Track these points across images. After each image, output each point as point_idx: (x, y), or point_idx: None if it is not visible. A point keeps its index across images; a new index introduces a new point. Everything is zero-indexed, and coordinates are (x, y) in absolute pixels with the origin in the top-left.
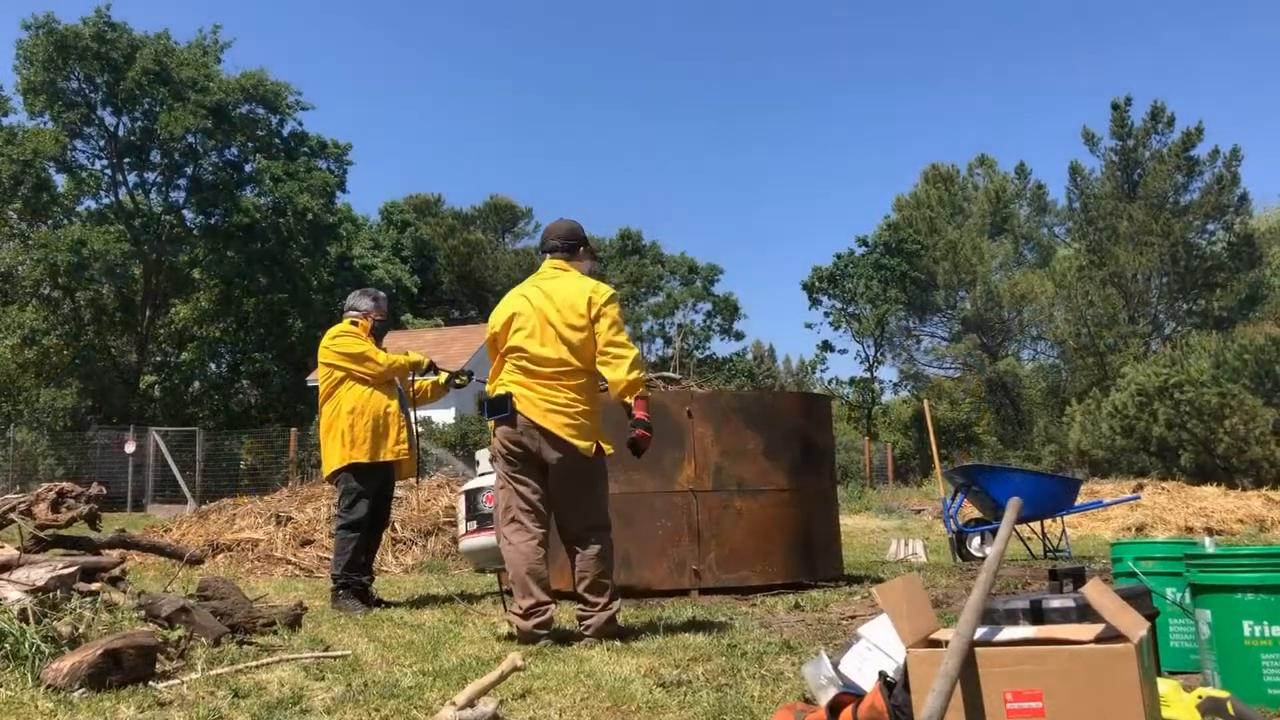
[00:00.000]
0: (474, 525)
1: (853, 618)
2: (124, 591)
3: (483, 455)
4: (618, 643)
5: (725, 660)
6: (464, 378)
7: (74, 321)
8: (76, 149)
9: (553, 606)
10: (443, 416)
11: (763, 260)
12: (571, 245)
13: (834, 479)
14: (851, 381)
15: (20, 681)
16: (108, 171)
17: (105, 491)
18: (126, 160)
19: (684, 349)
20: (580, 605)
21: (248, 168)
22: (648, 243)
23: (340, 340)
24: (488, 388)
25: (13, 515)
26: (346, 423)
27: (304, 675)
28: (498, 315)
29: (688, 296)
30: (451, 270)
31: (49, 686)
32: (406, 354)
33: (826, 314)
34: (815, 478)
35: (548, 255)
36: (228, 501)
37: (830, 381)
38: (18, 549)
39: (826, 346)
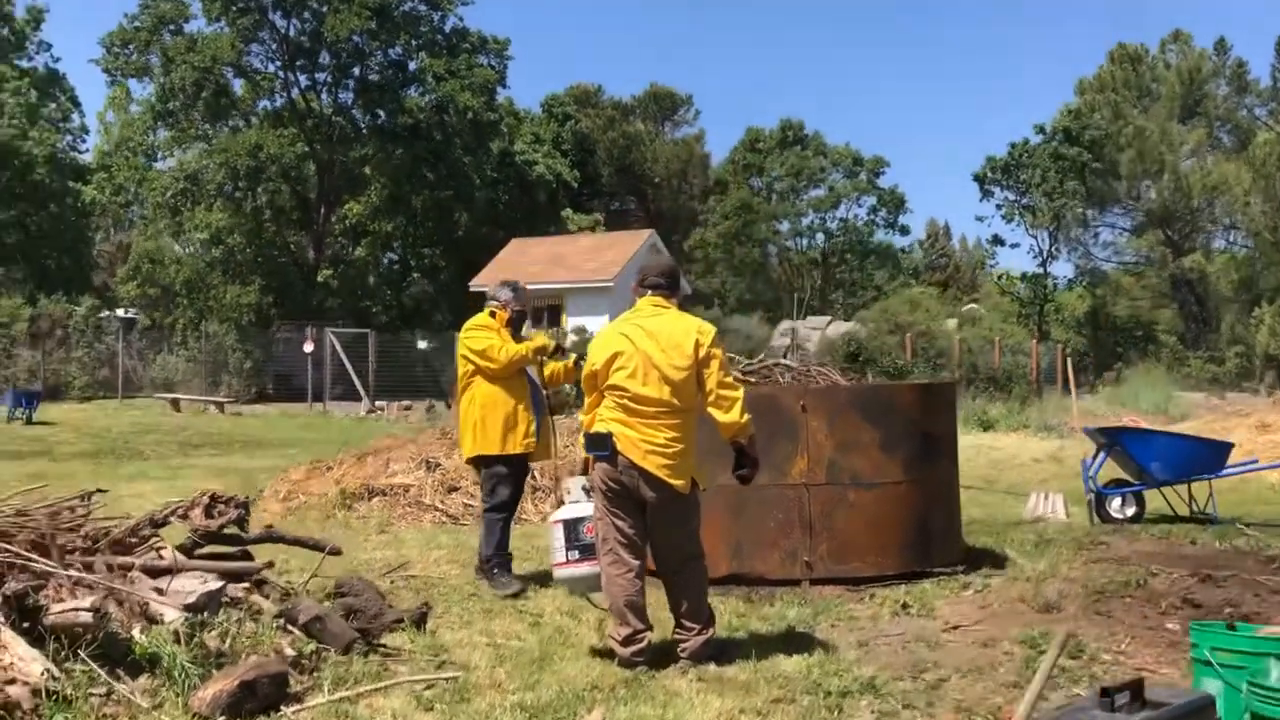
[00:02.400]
0: (575, 555)
1: (956, 628)
2: (266, 596)
3: (574, 484)
4: (711, 668)
5: (810, 701)
6: None
7: (254, 221)
8: (251, 53)
9: (649, 634)
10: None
11: (932, 150)
12: (673, 283)
13: (955, 466)
14: (1023, 277)
15: (174, 706)
16: (281, 74)
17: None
18: (298, 63)
19: (844, 244)
20: (677, 630)
21: (411, 66)
22: (810, 133)
23: (472, 334)
24: (582, 417)
25: (173, 518)
26: (478, 415)
27: (415, 706)
28: (598, 352)
29: (851, 190)
30: (611, 163)
31: (195, 714)
32: (532, 339)
33: (999, 206)
34: (933, 468)
35: (649, 291)
36: (388, 440)
37: (1000, 278)
38: (177, 549)
39: (997, 240)
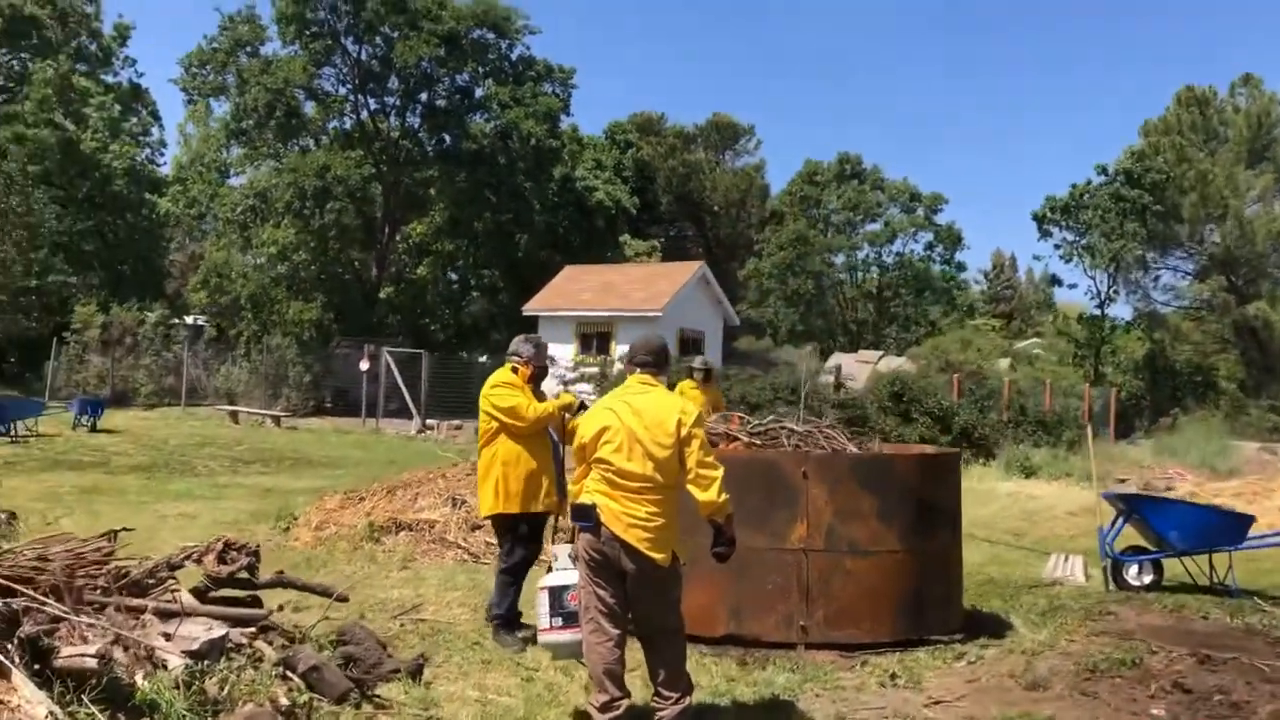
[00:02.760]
0: (559, 622)
1: (938, 703)
2: (270, 643)
3: (561, 551)
4: None
5: None
6: None
7: (320, 238)
8: (322, 76)
9: (625, 700)
10: None
11: (992, 186)
12: (660, 362)
13: (956, 536)
14: (1080, 318)
15: None
16: (351, 97)
17: (344, 398)
18: (368, 86)
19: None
20: (655, 698)
21: (478, 93)
22: (868, 166)
23: (497, 391)
24: (571, 487)
25: (188, 562)
26: (500, 473)
27: None
28: (588, 425)
29: (907, 225)
30: (670, 190)
31: None
32: (558, 397)
33: (1057, 246)
34: (932, 539)
35: (638, 369)
36: (418, 473)
37: (1056, 319)
38: (191, 591)
39: (1054, 281)
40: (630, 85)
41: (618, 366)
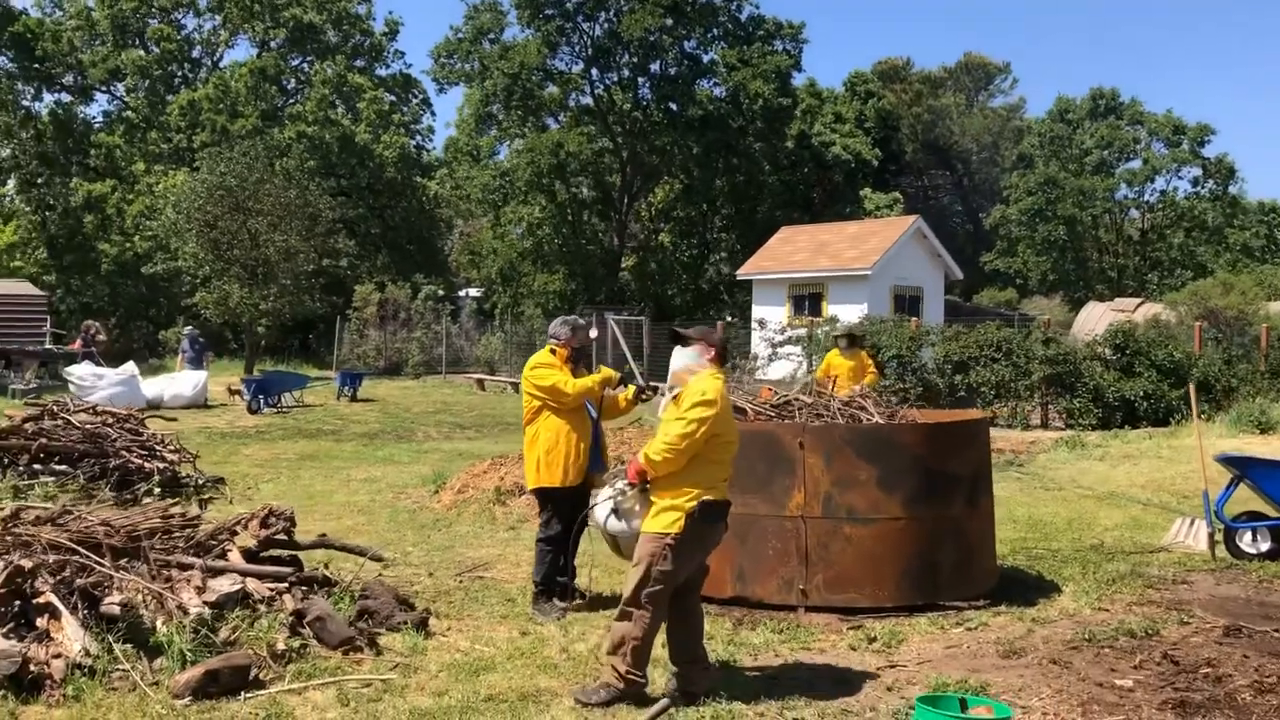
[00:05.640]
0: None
1: (892, 667)
2: (292, 595)
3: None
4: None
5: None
6: (649, 392)
7: (561, 212)
8: (557, 55)
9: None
10: None
11: (1270, 119)
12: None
13: (977, 503)
14: None
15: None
16: (584, 74)
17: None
18: (598, 61)
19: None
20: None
21: (706, 57)
22: (1125, 100)
23: (537, 372)
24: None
25: (237, 527)
26: (543, 448)
27: (336, 701)
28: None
29: (1170, 161)
30: (915, 139)
31: (171, 693)
32: (600, 370)
33: None
34: (944, 506)
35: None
36: None
37: None
38: (242, 550)
39: None
40: (877, 31)
41: (824, 328)
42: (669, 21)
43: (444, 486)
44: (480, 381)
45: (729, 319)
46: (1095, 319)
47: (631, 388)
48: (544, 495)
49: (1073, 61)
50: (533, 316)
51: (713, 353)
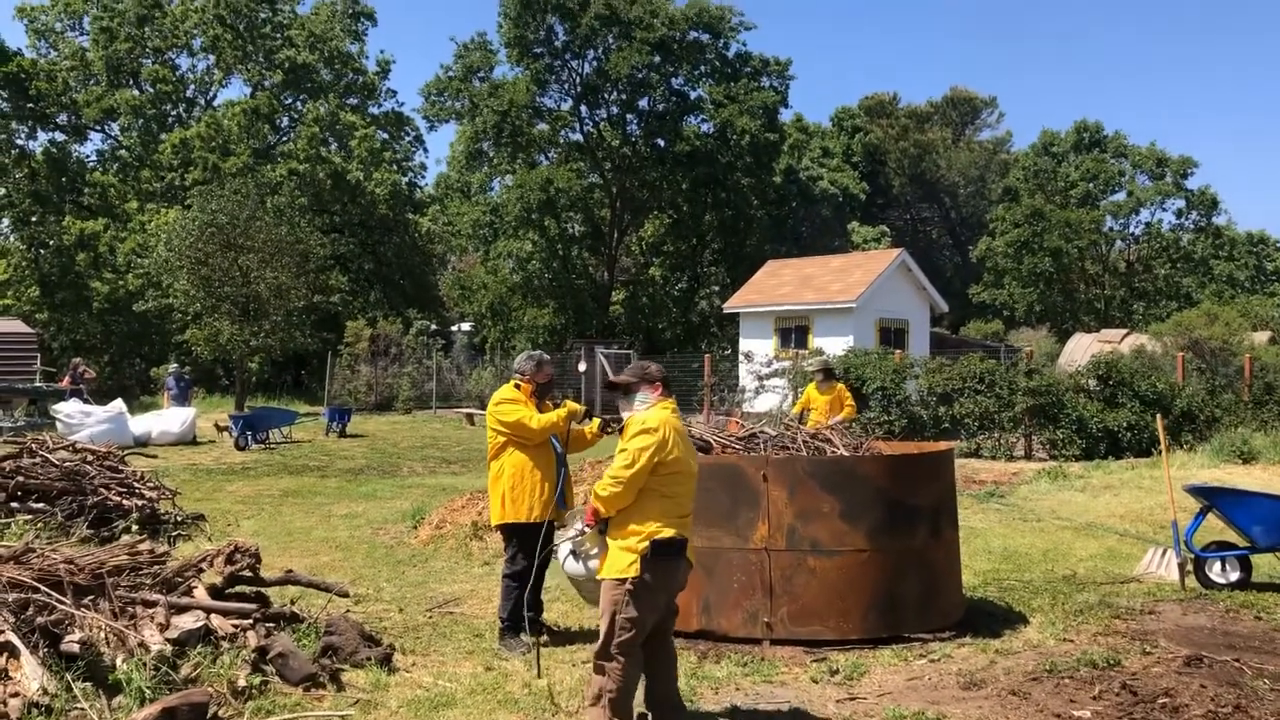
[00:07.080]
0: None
1: (852, 699)
2: (256, 632)
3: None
4: None
5: None
6: (614, 426)
7: (550, 248)
8: (545, 93)
9: None
10: None
11: (1256, 153)
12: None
13: (941, 535)
14: None
15: None
16: (573, 111)
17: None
18: (586, 99)
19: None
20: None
21: (694, 94)
22: (1109, 133)
23: (501, 407)
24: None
25: (203, 564)
26: (508, 484)
27: None
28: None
29: (1154, 194)
30: (902, 173)
31: None
32: (565, 405)
33: None
34: (907, 538)
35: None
36: None
37: None
38: (208, 587)
39: None
40: (865, 68)
41: (808, 362)
42: (656, 59)
43: (422, 522)
44: (470, 416)
45: (723, 351)
46: (1082, 350)
47: (597, 420)
48: (509, 531)
49: (1057, 95)
50: (523, 350)
51: (659, 388)
